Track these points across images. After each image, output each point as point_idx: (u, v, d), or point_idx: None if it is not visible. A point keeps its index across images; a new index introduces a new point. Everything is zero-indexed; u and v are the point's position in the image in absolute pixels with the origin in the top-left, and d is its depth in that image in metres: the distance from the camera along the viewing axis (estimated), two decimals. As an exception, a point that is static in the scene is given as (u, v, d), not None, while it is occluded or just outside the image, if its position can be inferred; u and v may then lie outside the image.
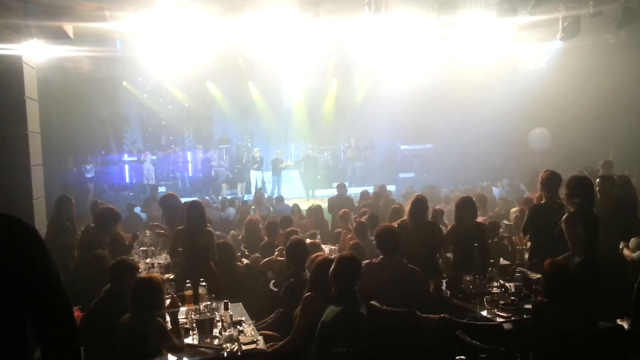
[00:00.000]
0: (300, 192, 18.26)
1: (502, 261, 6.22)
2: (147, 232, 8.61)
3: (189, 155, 19.52)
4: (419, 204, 6.03)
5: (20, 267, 2.00)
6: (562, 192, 5.94)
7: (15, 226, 2.07)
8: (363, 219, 7.46)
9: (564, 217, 4.97)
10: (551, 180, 5.77)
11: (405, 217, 6.17)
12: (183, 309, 4.63)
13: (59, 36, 9.15)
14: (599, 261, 5.03)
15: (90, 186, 16.92)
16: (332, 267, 4.17)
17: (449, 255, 6.23)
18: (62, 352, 2.10)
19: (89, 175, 17.10)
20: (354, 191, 13.64)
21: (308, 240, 6.15)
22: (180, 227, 6.19)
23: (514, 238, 7.09)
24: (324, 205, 12.14)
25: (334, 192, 17.62)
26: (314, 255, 4.95)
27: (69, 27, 9.14)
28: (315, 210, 9.74)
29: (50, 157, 11.14)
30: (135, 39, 9.73)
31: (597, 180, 6.67)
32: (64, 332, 2.11)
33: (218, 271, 6.19)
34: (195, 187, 18.12)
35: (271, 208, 12.47)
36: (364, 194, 11.18)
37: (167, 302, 4.26)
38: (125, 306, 4.00)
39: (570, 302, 3.83)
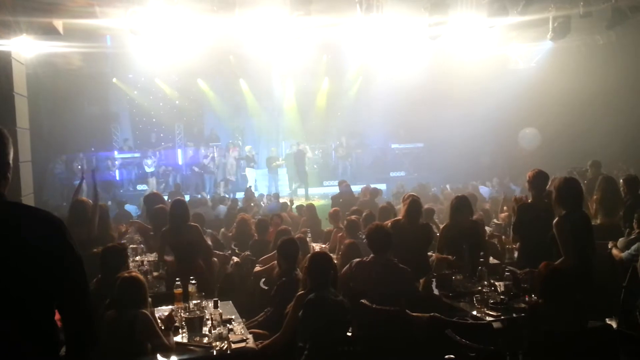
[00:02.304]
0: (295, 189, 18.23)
1: (492, 260, 6.24)
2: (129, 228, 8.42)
3: (179, 152, 19.45)
4: (415, 204, 6.02)
5: (45, 259, 2.06)
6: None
7: (42, 218, 2.14)
8: (354, 217, 7.47)
9: (554, 221, 4.98)
10: (538, 179, 5.79)
11: (400, 217, 6.16)
12: (172, 307, 4.65)
13: (49, 32, 9.08)
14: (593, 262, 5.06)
15: (152, 181, 16.98)
16: (306, 265, 4.31)
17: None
18: (79, 344, 2.20)
19: (149, 170, 17.06)
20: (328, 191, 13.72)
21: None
22: (165, 228, 6.17)
23: (503, 237, 7.11)
24: (316, 203, 12.16)
25: (323, 190, 17.79)
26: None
27: (58, 23, 9.07)
28: (308, 209, 9.74)
29: (39, 153, 11.07)
30: (126, 35, 9.67)
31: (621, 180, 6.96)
32: (80, 324, 2.20)
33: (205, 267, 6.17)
34: (186, 185, 18.03)
35: (262, 204, 12.44)
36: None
37: (166, 313, 4.24)
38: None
39: (565, 304, 3.85)
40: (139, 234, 7.83)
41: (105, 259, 4.71)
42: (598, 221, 6.86)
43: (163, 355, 3.79)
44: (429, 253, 6.22)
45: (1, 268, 1.99)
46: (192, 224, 6.23)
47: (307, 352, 3.96)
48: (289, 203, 11.40)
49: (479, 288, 4.89)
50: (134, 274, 4.13)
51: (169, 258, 6.25)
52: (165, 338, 3.87)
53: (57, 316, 2.18)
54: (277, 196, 12.95)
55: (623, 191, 6.80)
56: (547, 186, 5.96)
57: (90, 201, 6.57)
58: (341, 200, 11.11)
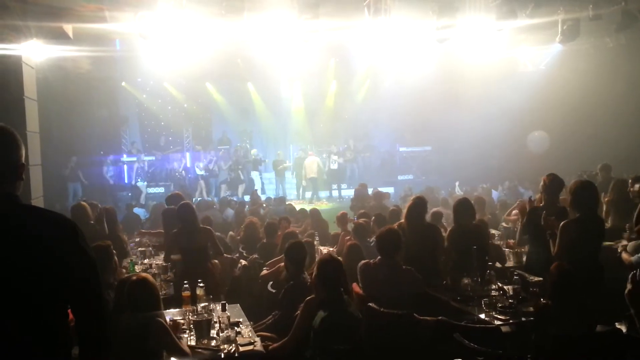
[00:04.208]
0: (302, 193, 18.21)
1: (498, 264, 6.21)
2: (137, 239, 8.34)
3: (187, 156, 19.52)
4: (416, 206, 6.01)
5: (57, 261, 2.08)
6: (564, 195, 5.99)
7: (56, 220, 2.16)
8: (362, 220, 7.47)
9: (562, 222, 4.96)
10: (554, 185, 5.77)
11: (402, 220, 6.16)
12: (180, 310, 4.66)
13: (59, 36, 9.14)
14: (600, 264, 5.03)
15: (202, 184, 17.15)
16: (314, 271, 4.25)
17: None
18: (92, 346, 2.20)
19: (200, 173, 17.29)
20: (351, 193, 13.73)
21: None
22: (175, 231, 6.19)
23: (511, 241, 7.08)
24: (324, 206, 12.15)
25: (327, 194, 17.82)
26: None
27: (68, 27, 9.13)
28: (313, 212, 9.74)
29: (48, 157, 11.13)
30: (135, 39, 9.74)
31: (630, 180, 6.81)
32: (93, 327, 2.20)
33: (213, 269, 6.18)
34: (195, 188, 18.02)
35: (269, 207, 12.42)
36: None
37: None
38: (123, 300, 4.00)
39: (573, 307, 3.83)
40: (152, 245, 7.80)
41: None
42: (609, 224, 6.83)
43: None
44: None
45: (13, 269, 2.01)
46: (204, 227, 6.25)
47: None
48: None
49: (488, 292, 4.87)
50: (143, 275, 4.11)
51: (175, 257, 6.28)
52: (180, 343, 3.86)
53: (70, 316, 2.20)
54: (282, 200, 12.92)
55: (630, 191, 6.70)
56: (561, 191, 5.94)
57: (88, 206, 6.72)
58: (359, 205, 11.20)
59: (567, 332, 3.71)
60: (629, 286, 2.84)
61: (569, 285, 3.95)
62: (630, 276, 2.81)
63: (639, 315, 2.79)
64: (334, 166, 18.36)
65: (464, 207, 5.96)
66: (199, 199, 15.48)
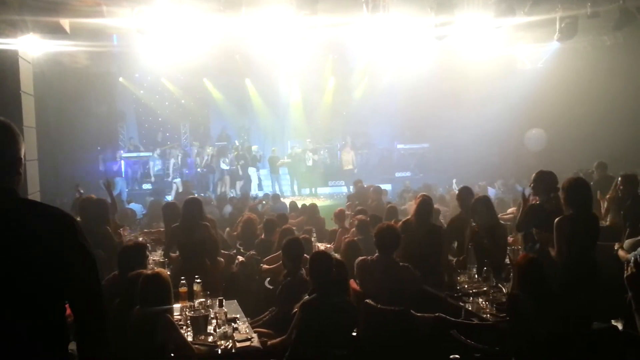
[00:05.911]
0: (297, 189, 18.21)
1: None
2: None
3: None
4: (425, 204, 5.99)
5: (56, 257, 2.07)
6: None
7: (55, 216, 2.15)
8: (362, 216, 7.46)
9: (556, 219, 4.96)
10: (543, 182, 5.76)
11: (410, 217, 6.14)
12: (177, 306, 4.64)
13: (56, 31, 9.12)
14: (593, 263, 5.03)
15: (227, 180, 17.11)
16: (307, 266, 4.38)
17: None
18: (90, 343, 2.18)
19: (225, 168, 17.31)
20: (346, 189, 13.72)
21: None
22: (175, 225, 6.16)
23: (511, 239, 7.08)
24: (322, 203, 12.13)
25: (328, 190, 17.80)
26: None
27: (65, 22, 9.11)
28: (310, 208, 9.73)
29: (45, 152, 11.09)
30: (132, 34, 9.70)
31: (619, 179, 6.80)
32: (92, 324, 2.19)
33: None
34: (193, 184, 17.98)
35: (263, 202, 12.40)
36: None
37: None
38: (130, 295, 3.98)
39: (542, 297, 3.81)
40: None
41: (124, 256, 4.62)
42: (607, 222, 6.83)
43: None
44: (450, 257, 6.20)
45: (12, 264, 2.00)
46: (204, 222, 6.23)
47: (289, 351, 4.03)
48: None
49: (485, 289, 4.87)
50: (157, 270, 4.11)
51: (173, 255, 6.27)
52: (187, 342, 3.87)
53: (67, 312, 2.19)
54: (278, 197, 12.89)
55: (619, 189, 6.70)
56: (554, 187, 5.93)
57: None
58: (357, 202, 11.14)
59: (551, 328, 3.69)
60: (630, 270, 2.87)
61: (535, 275, 3.92)
62: (632, 260, 2.84)
63: (637, 299, 2.82)
64: (309, 163, 18.32)
65: (476, 206, 5.92)
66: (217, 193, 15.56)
